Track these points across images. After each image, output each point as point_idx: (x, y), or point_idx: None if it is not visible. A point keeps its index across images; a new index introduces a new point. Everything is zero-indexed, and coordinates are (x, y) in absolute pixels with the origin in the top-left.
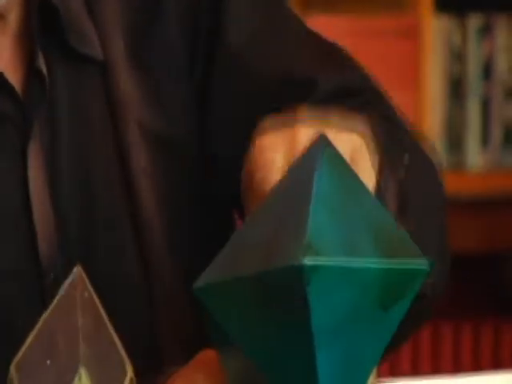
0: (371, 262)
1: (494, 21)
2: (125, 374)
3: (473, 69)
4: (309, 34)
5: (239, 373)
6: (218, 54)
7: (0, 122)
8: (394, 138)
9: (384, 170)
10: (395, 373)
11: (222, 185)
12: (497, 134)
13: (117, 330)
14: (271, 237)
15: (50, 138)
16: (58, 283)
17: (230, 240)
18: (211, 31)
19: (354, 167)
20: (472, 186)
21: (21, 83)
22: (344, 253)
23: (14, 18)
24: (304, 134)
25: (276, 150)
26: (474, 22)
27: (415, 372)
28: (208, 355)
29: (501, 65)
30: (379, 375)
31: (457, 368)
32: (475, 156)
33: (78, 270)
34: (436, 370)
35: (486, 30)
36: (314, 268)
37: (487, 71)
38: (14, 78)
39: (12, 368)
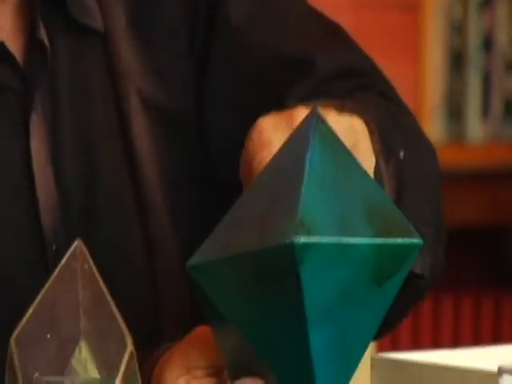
0: (363, 237)
1: None
2: (125, 347)
3: (473, 41)
4: (310, 13)
5: (233, 349)
6: (217, 30)
7: (1, 91)
8: (393, 119)
9: (383, 152)
10: (395, 345)
11: (221, 165)
12: (497, 106)
13: (118, 306)
14: (264, 215)
15: (51, 109)
16: (60, 255)
17: (222, 219)
18: (211, 7)
19: (354, 150)
20: (472, 158)
21: (22, 53)
22: (336, 230)
23: None
24: (303, 115)
25: (275, 131)
26: None
27: (415, 345)
28: (203, 331)
29: (501, 37)
30: (379, 348)
31: (457, 341)
32: (475, 128)
33: (78, 243)
34: (436, 342)
35: (486, 3)
36: (306, 246)
37: (488, 43)
38: (15, 48)
39: (12, 342)
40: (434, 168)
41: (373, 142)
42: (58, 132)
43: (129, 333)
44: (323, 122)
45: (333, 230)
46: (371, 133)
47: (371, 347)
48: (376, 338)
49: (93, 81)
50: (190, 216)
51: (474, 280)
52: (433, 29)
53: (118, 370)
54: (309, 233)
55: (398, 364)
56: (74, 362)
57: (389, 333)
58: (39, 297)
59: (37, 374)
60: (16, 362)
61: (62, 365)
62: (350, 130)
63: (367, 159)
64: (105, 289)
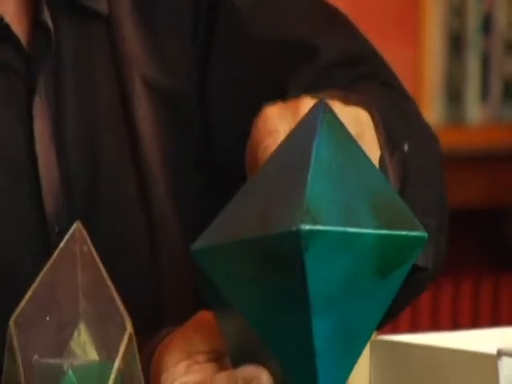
0: (368, 227)
1: None
2: (124, 330)
3: (473, 23)
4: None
5: (236, 335)
6: (220, 14)
7: (5, 73)
8: (396, 110)
9: (388, 145)
10: (394, 328)
11: (222, 152)
12: (496, 88)
13: (120, 291)
14: (269, 202)
15: (54, 92)
16: (62, 237)
17: (227, 205)
18: None
19: (359, 141)
20: (472, 141)
21: (26, 36)
22: (342, 220)
23: None
24: (308, 105)
25: (280, 120)
26: None
27: (414, 327)
28: (205, 316)
29: (500, 19)
30: (379, 331)
31: (456, 323)
32: (475, 110)
33: (77, 225)
34: (435, 325)
35: None
36: (312, 234)
37: (487, 26)
38: (19, 31)
39: (11, 324)
40: (437, 157)
41: (377, 134)
42: (61, 115)
43: (128, 315)
44: (330, 111)
45: (338, 219)
46: (376, 124)
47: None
48: (377, 328)
49: (97, 64)
50: (193, 203)
51: (474, 262)
52: (432, 11)
53: (117, 353)
54: (314, 221)
55: (397, 346)
56: (73, 344)
57: (388, 323)
58: (38, 279)
59: (36, 357)
60: (15, 344)
61: (61, 347)
62: (356, 121)
63: (373, 151)
64: (104, 271)
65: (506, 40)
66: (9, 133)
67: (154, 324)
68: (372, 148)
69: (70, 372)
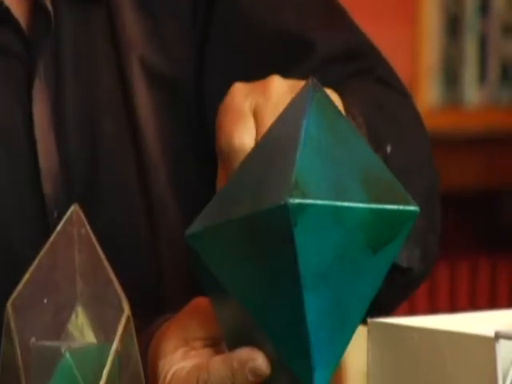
0: (358, 201)
1: None
2: (122, 312)
3: (470, 5)
4: None
5: (231, 320)
6: (219, 1)
7: (5, 57)
8: (383, 111)
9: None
10: None
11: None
12: (494, 70)
13: (121, 279)
14: (259, 181)
15: (54, 75)
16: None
17: (220, 188)
18: None
19: None
20: (469, 123)
21: (26, 19)
22: (331, 194)
23: None
24: (278, 84)
25: (246, 97)
26: None
27: (411, 309)
28: (200, 303)
29: (498, 1)
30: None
31: (453, 305)
32: (472, 92)
33: (75, 207)
34: (432, 307)
35: None
36: (301, 207)
37: (484, 8)
38: (19, 14)
39: (8, 307)
40: (424, 158)
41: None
42: (61, 99)
43: (125, 297)
44: (321, 89)
45: (328, 194)
46: (358, 127)
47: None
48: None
49: (96, 48)
50: (192, 188)
51: (471, 244)
52: None
53: (114, 334)
54: (303, 194)
55: (395, 329)
56: (70, 326)
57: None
58: (36, 262)
59: (33, 339)
60: (12, 326)
61: (58, 329)
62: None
63: None
64: (101, 253)
65: (503, 22)
66: (8, 116)
67: (154, 310)
68: None
69: (68, 354)
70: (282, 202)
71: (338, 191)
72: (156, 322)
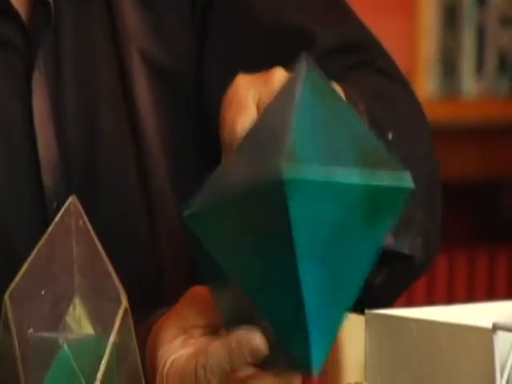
0: (354, 177)
1: None
2: (119, 304)
3: None
4: None
5: (230, 305)
6: None
7: (4, 49)
8: (384, 100)
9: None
10: None
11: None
12: (491, 61)
13: (121, 269)
14: (253, 159)
15: (53, 67)
16: None
17: (218, 168)
18: None
19: None
20: (467, 114)
21: (26, 11)
22: (326, 168)
23: None
24: (280, 75)
25: (249, 88)
26: None
27: (409, 301)
28: (197, 291)
29: None
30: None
31: (451, 297)
32: (470, 83)
33: (72, 199)
34: (430, 298)
35: None
36: (295, 180)
37: None
38: (19, 5)
39: (6, 298)
40: (425, 148)
41: None
42: (60, 91)
43: (123, 289)
44: (314, 68)
45: (322, 168)
46: (360, 113)
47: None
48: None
49: (96, 40)
50: (192, 180)
51: (469, 236)
52: None
53: (112, 327)
54: (298, 168)
55: (393, 320)
56: (68, 318)
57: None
58: (34, 253)
59: (31, 330)
60: (10, 317)
61: (56, 321)
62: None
63: None
64: (99, 245)
65: (500, 13)
66: (7, 108)
67: (153, 299)
68: None
69: (65, 346)
70: (277, 175)
71: (332, 164)
72: (154, 314)
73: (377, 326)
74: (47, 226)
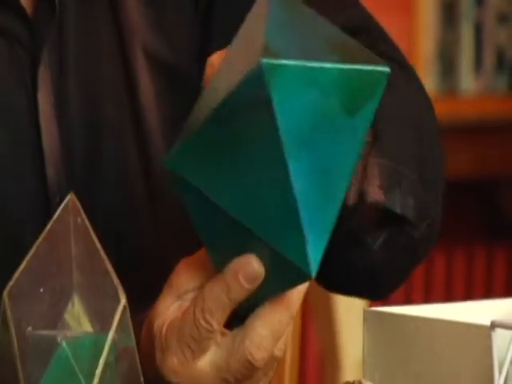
0: (331, 64)
1: None
2: (118, 301)
3: None
4: None
5: (224, 252)
6: None
7: (9, 42)
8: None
9: None
10: (387, 300)
11: None
12: (489, 58)
13: (124, 256)
14: (232, 72)
15: (57, 62)
16: None
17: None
18: None
19: None
20: (465, 111)
21: (30, 5)
22: (302, 57)
23: None
24: None
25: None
26: None
27: (407, 298)
28: (186, 260)
29: None
30: (374, 304)
31: (449, 294)
32: (468, 81)
33: (71, 196)
34: (428, 296)
35: None
36: (274, 67)
37: None
38: (24, 0)
39: (5, 296)
40: (424, 122)
41: None
42: (63, 85)
43: (122, 287)
44: None
45: (299, 56)
46: None
47: (364, 301)
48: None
49: (100, 35)
50: None
51: (467, 233)
52: None
53: (111, 324)
54: (276, 56)
55: (391, 318)
56: (67, 315)
57: (383, 299)
58: (32, 250)
59: (30, 328)
60: (9, 315)
61: (55, 319)
62: None
63: None
64: (98, 243)
65: (498, 11)
66: (12, 101)
67: (156, 287)
68: None
69: (64, 343)
70: (256, 66)
71: (308, 56)
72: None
73: (375, 323)
74: (50, 219)
